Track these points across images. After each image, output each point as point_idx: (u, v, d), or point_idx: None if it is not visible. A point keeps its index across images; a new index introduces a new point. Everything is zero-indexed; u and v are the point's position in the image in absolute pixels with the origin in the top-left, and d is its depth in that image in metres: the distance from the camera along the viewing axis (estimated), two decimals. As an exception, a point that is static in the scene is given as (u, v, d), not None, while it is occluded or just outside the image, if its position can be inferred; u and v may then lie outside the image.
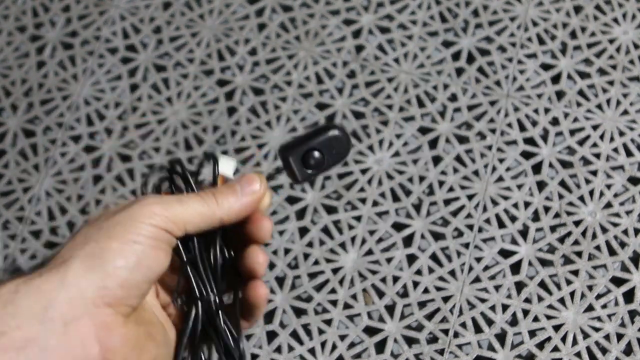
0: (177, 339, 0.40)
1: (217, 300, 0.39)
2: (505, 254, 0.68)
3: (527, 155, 0.71)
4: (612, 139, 0.72)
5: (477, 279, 0.66)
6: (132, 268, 0.35)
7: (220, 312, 0.39)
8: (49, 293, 0.34)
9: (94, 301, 0.34)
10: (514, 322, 0.66)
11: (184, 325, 0.39)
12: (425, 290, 0.66)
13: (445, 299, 0.66)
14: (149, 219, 0.36)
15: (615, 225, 0.68)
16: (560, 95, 0.74)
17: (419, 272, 0.67)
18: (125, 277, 0.35)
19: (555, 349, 0.64)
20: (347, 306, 0.66)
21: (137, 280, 0.36)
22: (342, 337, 0.65)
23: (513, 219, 0.69)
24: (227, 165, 0.41)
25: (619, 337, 0.64)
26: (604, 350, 0.64)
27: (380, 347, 0.65)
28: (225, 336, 0.39)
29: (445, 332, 0.65)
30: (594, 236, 0.68)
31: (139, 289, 0.36)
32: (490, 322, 0.66)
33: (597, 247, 0.67)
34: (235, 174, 0.42)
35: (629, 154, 0.71)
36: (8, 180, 0.72)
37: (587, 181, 0.70)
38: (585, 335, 0.64)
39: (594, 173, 0.70)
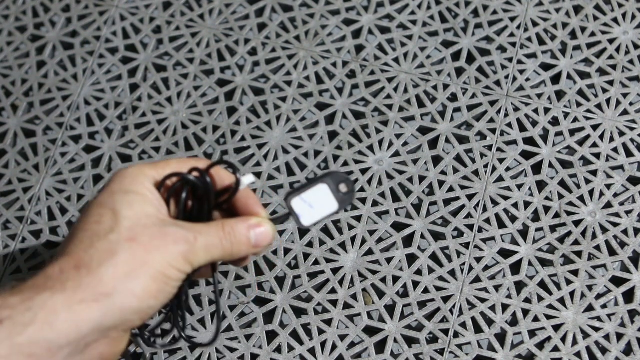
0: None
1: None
2: (505, 254, 0.68)
3: (527, 155, 0.71)
4: (612, 139, 0.72)
5: (477, 279, 0.66)
6: (157, 307, 0.39)
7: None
8: (87, 324, 0.36)
9: (117, 329, 0.38)
10: (514, 322, 0.66)
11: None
12: (425, 290, 0.66)
13: (445, 299, 0.66)
14: (179, 265, 0.38)
15: (615, 225, 0.68)
16: (560, 95, 0.74)
17: (419, 272, 0.67)
18: (149, 314, 0.39)
19: (555, 348, 0.64)
20: (347, 306, 0.66)
21: (156, 312, 0.40)
22: (342, 337, 0.65)
23: (513, 219, 0.69)
24: (246, 183, 0.43)
25: (619, 337, 0.64)
26: (603, 350, 0.64)
27: (380, 347, 0.65)
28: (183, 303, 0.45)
29: (445, 332, 0.65)
30: (594, 236, 0.68)
31: (152, 316, 0.40)
32: (490, 322, 0.66)
33: (597, 247, 0.67)
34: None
35: (628, 154, 0.71)
36: (8, 180, 0.72)
37: (587, 181, 0.70)
38: (585, 335, 0.64)
39: (594, 173, 0.70)
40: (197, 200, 0.42)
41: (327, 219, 0.45)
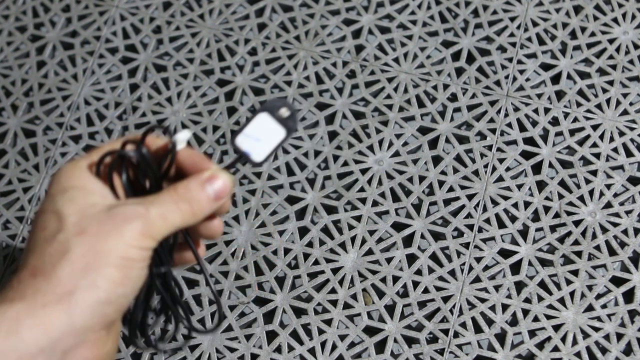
0: (133, 306, 0.42)
1: (170, 270, 0.42)
2: (505, 254, 0.68)
3: (527, 155, 0.71)
4: (611, 139, 0.72)
5: (477, 279, 0.66)
6: (128, 294, 0.37)
7: (172, 279, 0.42)
8: (56, 327, 0.34)
9: (93, 328, 0.36)
10: (514, 322, 0.66)
11: (142, 294, 0.41)
12: (425, 290, 0.66)
13: (445, 299, 0.66)
14: (139, 243, 0.36)
15: (615, 225, 0.68)
16: (560, 95, 0.74)
17: (419, 272, 0.67)
18: (122, 302, 0.36)
19: (555, 348, 0.64)
20: (347, 306, 0.66)
21: (129, 301, 0.37)
22: (342, 337, 0.65)
23: (513, 219, 0.69)
24: (183, 139, 0.41)
25: (619, 337, 0.64)
26: (603, 350, 0.64)
27: (380, 347, 0.65)
28: (179, 301, 0.43)
29: (445, 332, 0.65)
30: (594, 236, 0.68)
31: (127, 306, 0.38)
32: (490, 322, 0.66)
33: (597, 247, 0.67)
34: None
35: (628, 154, 0.71)
36: (8, 180, 0.72)
37: (587, 181, 0.70)
38: (585, 335, 0.64)
39: (594, 173, 0.70)
40: (141, 174, 0.39)
41: (279, 147, 0.42)
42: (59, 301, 0.34)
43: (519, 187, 0.70)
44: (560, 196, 0.69)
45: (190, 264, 0.45)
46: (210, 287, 0.43)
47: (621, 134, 0.72)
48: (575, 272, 0.66)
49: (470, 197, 0.69)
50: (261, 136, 0.41)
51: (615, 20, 0.77)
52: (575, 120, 0.73)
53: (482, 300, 0.66)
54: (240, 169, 0.71)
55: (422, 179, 0.70)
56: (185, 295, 0.67)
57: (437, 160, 0.72)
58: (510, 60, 0.75)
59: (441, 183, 0.70)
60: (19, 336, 0.33)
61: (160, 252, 0.40)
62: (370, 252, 0.68)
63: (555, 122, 0.73)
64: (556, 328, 0.65)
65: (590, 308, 0.65)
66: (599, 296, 0.66)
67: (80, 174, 0.38)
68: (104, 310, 0.35)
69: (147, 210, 0.37)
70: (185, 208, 0.38)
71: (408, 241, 0.69)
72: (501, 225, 0.69)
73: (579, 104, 0.73)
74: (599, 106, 0.73)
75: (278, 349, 0.65)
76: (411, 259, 0.68)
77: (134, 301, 0.42)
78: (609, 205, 0.69)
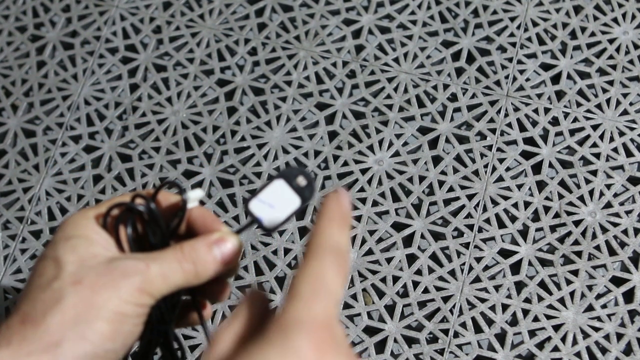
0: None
1: (172, 328, 0.41)
2: (505, 254, 0.68)
3: (527, 155, 0.71)
4: (611, 139, 0.72)
5: (477, 279, 0.66)
6: (118, 349, 0.35)
7: (173, 338, 0.41)
8: None
9: None
10: (514, 322, 0.66)
11: (141, 350, 0.40)
12: (425, 290, 0.66)
13: (445, 299, 0.66)
14: (134, 299, 0.35)
15: (615, 225, 0.68)
16: (560, 95, 0.74)
17: (419, 272, 0.67)
18: (112, 357, 0.35)
19: (555, 348, 0.64)
20: (347, 306, 0.66)
21: (120, 357, 0.36)
22: (342, 337, 0.65)
23: (513, 219, 0.69)
24: (194, 198, 0.40)
25: (619, 337, 0.64)
26: (603, 350, 0.64)
27: (380, 347, 0.65)
28: (177, 357, 0.42)
29: (445, 332, 0.65)
30: (594, 236, 0.68)
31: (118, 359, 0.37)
32: (490, 322, 0.66)
33: (597, 247, 0.67)
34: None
35: (628, 154, 0.71)
36: (8, 180, 0.72)
37: (587, 181, 0.70)
38: (585, 335, 0.64)
39: (594, 173, 0.70)
40: (150, 230, 0.39)
41: (292, 216, 0.41)
42: (45, 351, 0.33)
43: (519, 187, 0.70)
44: (560, 196, 0.69)
45: (195, 324, 0.43)
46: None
47: (621, 134, 0.72)
48: (575, 272, 0.66)
49: (470, 197, 0.69)
50: (275, 203, 0.40)
51: (615, 20, 0.77)
52: (575, 120, 0.73)
53: (482, 300, 0.66)
54: (240, 168, 0.71)
55: (422, 179, 0.70)
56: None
57: (437, 160, 0.72)
58: (510, 60, 0.75)
59: (441, 183, 0.70)
60: None
61: (162, 309, 0.39)
62: (370, 252, 0.68)
63: (555, 122, 0.73)
64: (556, 328, 0.65)
65: (590, 308, 0.65)
66: (599, 296, 0.66)
67: (87, 223, 0.37)
68: None
69: (147, 267, 0.36)
70: (189, 268, 0.37)
71: (408, 241, 0.69)
72: (501, 225, 0.69)
73: (579, 104, 0.73)
74: (599, 106, 0.73)
75: (278, 349, 0.65)
76: (411, 259, 0.68)
77: (131, 358, 0.41)
78: (609, 205, 0.69)
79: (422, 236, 0.68)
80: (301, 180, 0.40)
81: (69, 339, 0.34)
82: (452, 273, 0.67)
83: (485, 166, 0.71)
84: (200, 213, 0.40)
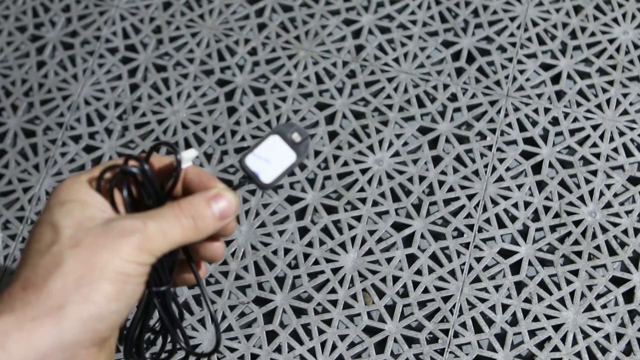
0: (131, 323, 0.41)
1: (170, 290, 0.41)
2: (505, 254, 0.68)
3: (527, 155, 0.71)
4: (612, 139, 0.72)
5: (477, 279, 0.66)
6: (122, 310, 0.36)
7: (172, 297, 0.41)
8: (44, 342, 0.33)
9: (84, 344, 0.35)
10: (514, 322, 0.66)
11: (135, 312, 0.40)
12: (425, 290, 0.66)
13: (445, 299, 0.66)
14: (135, 257, 0.35)
15: (615, 225, 0.68)
16: (560, 95, 0.74)
17: (419, 272, 0.67)
18: (115, 318, 0.35)
19: (555, 348, 0.64)
20: (347, 306, 0.66)
21: (123, 318, 0.36)
22: (342, 337, 0.65)
23: (513, 219, 0.69)
24: (189, 158, 0.40)
25: (619, 337, 0.64)
26: (603, 350, 0.64)
27: (380, 347, 0.65)
28: (177, 322, 0.41)
29: (445, 332, 0.65)
30: (594, 236, 0.68)
31: (121, 324, 0.37)
32: (490, 322, 0.66)
33: (597, 247, 0.67)
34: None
35: (628, 154, 0.71)
36: (8, 180, 0.72)
37: (587, 181, 0.70)
38: (585, 335, 0.64)
39: (594, 173, 0.70)
40: (144, 191, 0.39)
41: (288, 171, 0.40)
42: (49, 315, 0.33)
43: (519, 187, 0.70)
44: (560, 196, 0.69)
45: (191, 284, 0.43)
46: (210, 309, 0.42)
47: (621, 134, 0.72)
48: (575, 272, 0.66)
49: (470, 197, 0.69)
50: (271, 158, 0.40)
51: (615, 20, 0.77)
52: (575, 120, 0.73)
53: (482, 300, 0.66)
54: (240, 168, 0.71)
55: (422, 179, 0.70)
56: (186, 295, 0.67)
57: (437, 160, 0.72)
58: (510, 60, 0.75)
59: (441, 183, 0.70)
60: (5, 350, 0.32)
61: (159, 270, 0.39)
62: (370, 252, 0.68)
63: (555, 122, 0.73)
64: (556, 328, 0.65)
65: (590, 308, 0.65)
66: (599, 296, 0.66)
67: (80, 187, 0.37)
68: (96, 326, 0.34)
69: (145, 225, 0.36)
70: (188, 224, 0.37)
71: (408, 241, 0.69)
72: (501, 225, 0.69)
73: (579, 104, 0.73)
74: (599, 106, 0.73)
75: (278, 349, 0.65)
76: (411, 259, 0.68)
77: (131, 318, 0.41)
78: (609, 205, 0.69)
79: (422, 236, 0.68)
80: (296, 136, 0.40)
81: (72, 302, 0.34)
82: (452, 273, 0.67)
83: (485, 166, 0.71)
84: (195, 172, 0.40)
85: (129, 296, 0.36)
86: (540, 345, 0.64)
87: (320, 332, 0.65)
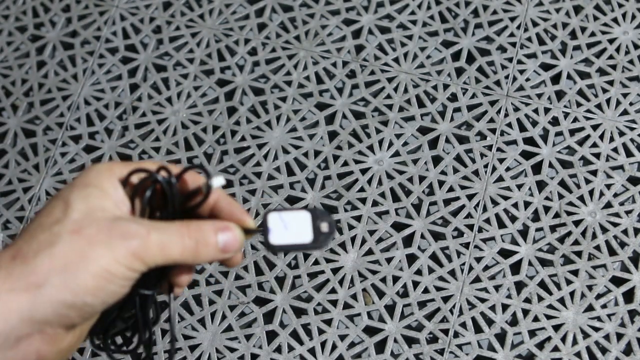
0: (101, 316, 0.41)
1: (154, 295, 0.41)
2: (505, 254, 0.68)
3: (527, 155, 0.71)
4: (611, 139, 0.72)
5: (477, 279, 0.66)
6: (97, 305, 0.36)
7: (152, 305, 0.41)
8: (15, 314, 0.34)
9: (52, 324, 0.35)
10: (514, 322, 0.66)
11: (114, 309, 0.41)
12: (425, 290, 0.66)
13: (445, 299, 0.66)
14: (127, 262, 0.35)
15: (615, 225, 0.68)
16: (560, 95, 0.74)
17: (419, 272, 0.67)
18: (89, 311, 0.36)
19: (555, 348, 0.64)
20: (347, 306, 0.66)
21: (96, 312, 0.37)
22: (342, 337, 0.65)
23: (513, 219, 0.69)
24: (217, 184, 0.40)
25: (619, 337, 0.64)
26: (603, 350, 0.64)
27: (380, 347, 0.65)
28: (148, 320, 0.42)
29: (445, 332, 0.65)
30: (594, 236, 0.68)
31: (93, 316, 0.37)
32: (490, 322, 0.66)
33: (597, 247, 0.67)
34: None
35: (628, 154, 0.71)
36: (8, 180, 0.72)
37: (587, 181, 0.70)
38: (585, 335, 0.64)
39: (594, 173, 0.70)
40: (165, 201, 0.39)
41: (298, 250, 0.41)
42: (26, 290, 0.34)
43: (519, 187, 0.70)
44: (560, 196, 0.69)
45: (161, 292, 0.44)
46: (172, 330, 0.42)
47: (621, 134, 0.72)
48: (575, 272, 0.66)
49: (470, 197, 0.69)
50: (290, 227, 0.41)
51: (615, 20, 0.77)
52: (575, 120, 0.73)
53: (482, 300, 0.66)
54: (240, 168, 0.71)
55: (422, 179, 0.70)
56: (186, 295, 0.67)
57: (437, 160, 0.72)
58: (510, 60, 0.75)
59: (441, 183, 0.70)
60: None
61: (149, 277, 0.39)
62: (370, 252, 0.68)
63: (555, 122, 0.73)
64: (556, 328, 0.65)
65: (590, 308, 0.65)
66: (599, 296, 0.66)
67: (109, 176, 0.38)
68: (67, 312, 0.35)
69: (147, 233, 0.36)
70: (190, 245, 0.37)
71: (408, 241, 0.69)
72: (501, 225, 0.69)
73: (579, 104, 0.73)
74: (599, 106, 0.73)
75: (278, 349, 0.65)
76: (411, 259, 0.68)
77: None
78: (609, 205, 0.69)
79: (422, 236, 0.68)
80: (324, 227, 0.41)
81: (51, 284, 0.34)
82: (452, 273, 0.67)
83: (485, 166, 0.71)
84: (227, 202, 0.41)
85: (108, 295, 0.36)
86: (540, 345, 0.64)
87: (320, 332, 0.65)
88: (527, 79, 0.75)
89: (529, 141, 0.72)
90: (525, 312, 0.65)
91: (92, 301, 0.35)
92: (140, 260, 0.36)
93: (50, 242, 0.35)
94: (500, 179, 0.70)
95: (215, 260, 0.39)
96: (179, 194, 0.39)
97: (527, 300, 0.66)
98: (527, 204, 0.69)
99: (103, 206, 0.36)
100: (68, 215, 0.35)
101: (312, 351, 0.64)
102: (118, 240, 0.35)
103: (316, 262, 0.67)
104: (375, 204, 0.70)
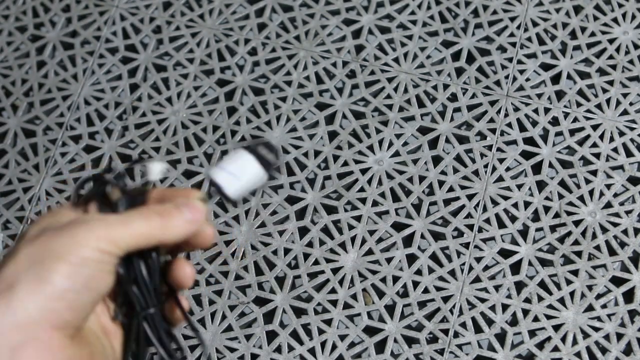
0: (123, 352, 0.40)
1: (158, 311, 0.40)
2: (505, 254, 0.68)
3: (527, 155, 0.71)
4: (611, 139, 0.72)
5: (477, 279, 0.66)
6: (79, 290, 0.35)
7: (161, 322, 0.40)
8: None
9: (41, 325, 0.34)
10: (514, 322, 0.66)
11: (126, 339, 0.39)
12: (425, 290, 0.66)
13: (445, 299, 0.66)
14: (94, 243, 0.35)
15: (615, 225, 0.68)
16: (560, 95, 0.74)
17: (419, 272, 0.67)
18: (73, 299, 0.35)
19: (555, 348, 0.64)
20: (347, 306, 0.66)
21: (84, 302, 0.36)
22: (342, 337, 0.65)
23: (513, 219, 0.69)
24: (157, 172, 0.40)
25: (619, 337, 0.64)
26: (603, 350, 0.64)
27: (380, 347, 0.65)
28: (167, 345, 0.40)
29: (445, 332, 0.65)
30: (594, 236, 0.68)
31: (85, 310, 0.36)
32: (490, 322, 0.66)
33: (597, 247, 0.67)
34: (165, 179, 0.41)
35: (628, 154, 0.71)
36: (8, 180, 0.72)
37: (587, 181, 0.70)
38: (585, 335, 0.64)
39: (594, 173, 0.70)
40: (114, 203, 0.39)
41: (257, 187, 0.41)
42: None
43: (519, 187, 0.70)
44: (560, 196, 0.69)
45: (178, 323, 0.43)
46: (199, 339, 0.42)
47: (621, 134, 0.72)
48: (575, 272, 0.66)
49: (470, 197, 0.69)
50: (239, 174, 0.40)
51: (615, 20, 0.77)
52: (575, 120, 0.73)
53: (482, 300, 0.66)
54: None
55: (422, 179, 0.70)
56: (186, 294, 0.67)
57: (437, 160, 0.72)
58: (510, 60, 0.75)
59: (441, 183, 0.70)
60: None
61: (143, 293, 0.39)
62: (370, 252, 0.68)
63: (555, 122, 0.73)
64: (556, 328, 0.65)
65: (590, 308, 0.65)
66: (599, 296, 0.66)
67: (58, 209, 0.38)
68: (52, 304, 0.34)
69: (105, 216, 0.37)
70: (154, 218, 0.38)
71: (408, 241, 0.69)
72: (501, 225, 0.69)
73: (579, 104, 0.73)
74: (599, 106, 0.73)
75: (278, 349, 0.65)
76: (411, 259, 0.68)
77: (122, 349, 0.40)
78: (609, 205, 0.69)
79: (422, 236, 0.68)
80: (266, 153, 0.40)
81: (22, 281, 0.34)
82: (452, 273, 0.67)
83: (485, 166, 0.71)
84: (169, 190, 0.41)
85: (87, 279, 0.35)
86: (540, 345, 0.64)
87: (320, 332, 0.65)
88: (527, 79, 0.75)
89: (529, 141, 0.72)
90: (525, 312, 0.65)
91: (71, 285, 0.35)
92: (106, 240, 0.36)
93: (11, 255, 0.35)
94: (500, 179, 0.70)
95: (187, 234, 0.39)
96: (126, 193, 0.39)
97: (527, 300, 0.66)
98: (527, 204, 0.69)
99: (57, 220, 0.37)
100: (24, 237, 0.36)
101: (312, 351, 0.64)
102: (77, 228, 0.36)
103: (316, 262, 0.67)
104: (375, 204, 0.70)
